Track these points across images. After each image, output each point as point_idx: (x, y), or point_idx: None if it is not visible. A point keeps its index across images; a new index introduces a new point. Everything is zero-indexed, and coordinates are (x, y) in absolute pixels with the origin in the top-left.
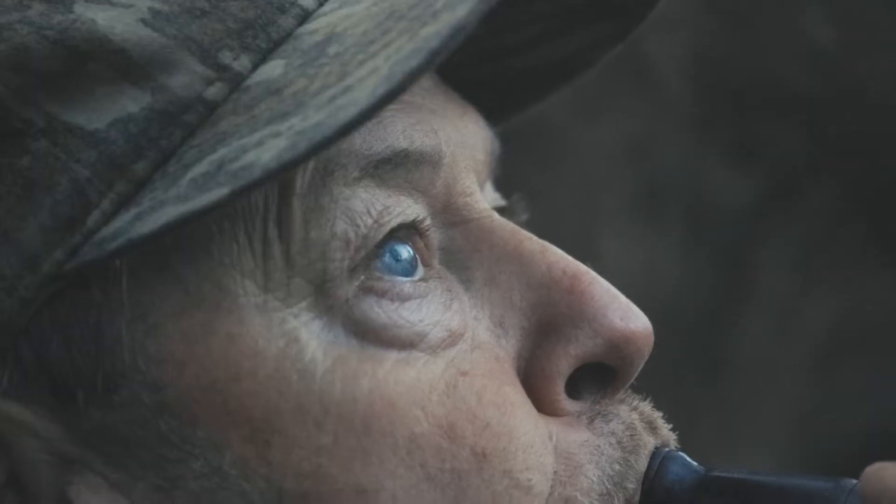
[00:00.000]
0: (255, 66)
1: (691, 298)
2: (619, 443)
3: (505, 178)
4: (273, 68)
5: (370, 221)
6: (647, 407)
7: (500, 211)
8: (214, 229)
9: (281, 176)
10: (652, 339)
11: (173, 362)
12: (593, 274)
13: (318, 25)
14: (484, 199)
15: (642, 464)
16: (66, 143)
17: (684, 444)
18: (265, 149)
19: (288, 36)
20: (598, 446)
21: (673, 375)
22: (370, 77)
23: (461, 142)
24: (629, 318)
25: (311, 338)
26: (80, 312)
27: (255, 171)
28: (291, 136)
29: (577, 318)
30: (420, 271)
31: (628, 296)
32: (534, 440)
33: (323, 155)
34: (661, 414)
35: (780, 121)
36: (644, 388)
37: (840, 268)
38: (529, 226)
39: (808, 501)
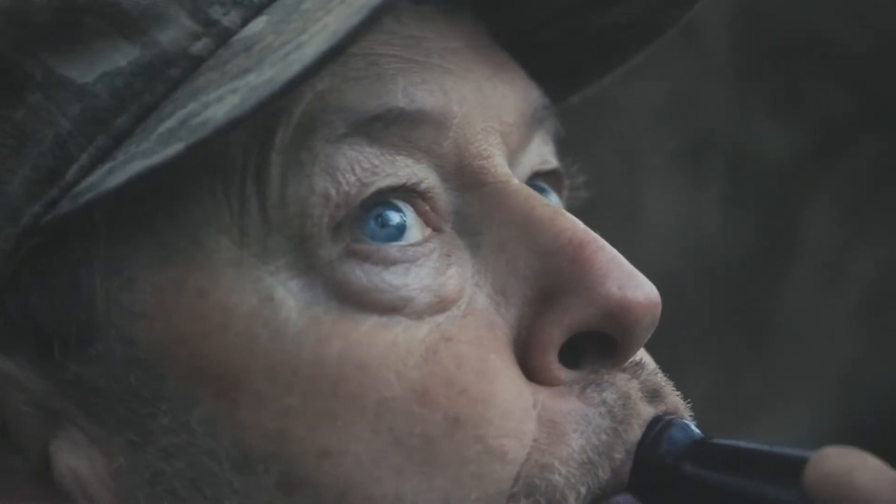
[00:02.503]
0: (246, 22)
1: (735, 254)
2: (609, 412)
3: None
4: (257, 24)
5: (353, 179)
6: (654, 376)
7: (549, 174)
8: (193, 184)
9: (232, 131)
10: (657, 309)
11: (145, 316)
12: (601, 243)
13: None
14: (504, 163)
15: (634, 434)
16: (58, 96)
17: (727, 399)
18: (222, 105)
19: None
20: (587, 415)
21: (716, 330)
22: (321, 33)
23: (482, 103)
24: (628, 286)
25: (287, 297)
26: (60, 265)
27: (208, 126)
28: (245, 91)
29: (575, 287)
30: (415, 235)
31: (671, 251)
32: (514, 407)
33: (307, 110)
34: (669, 383)
35: (824, 75)
36: (686, 344)
37: (884, 222)
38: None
39: (795, 471)
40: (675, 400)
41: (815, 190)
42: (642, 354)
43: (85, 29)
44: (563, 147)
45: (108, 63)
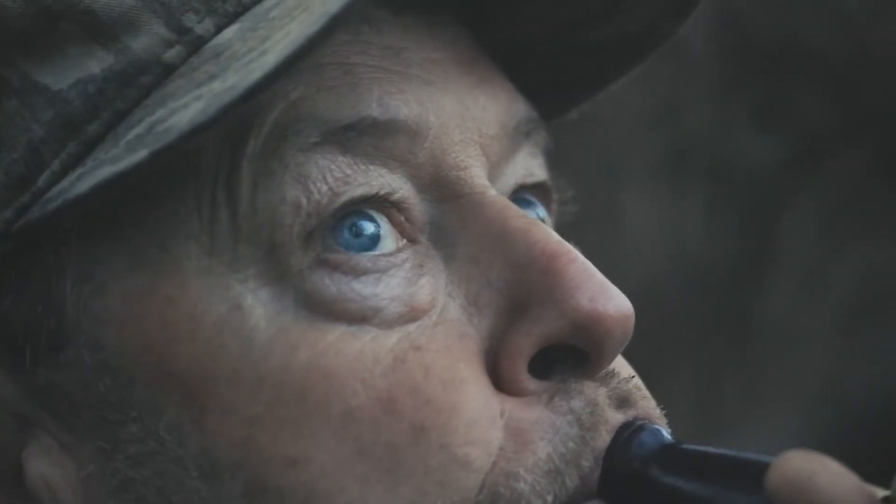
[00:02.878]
0: (219, 30)
1: (717, 261)
2: (577, 420)
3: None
4: (229, 32)
5: (324, 188)
6: (625, 384)
7: (536, 187)
8: (165, 191)
9: (195, 138)
10: (629, 322)
11: (114, 323)
12: (574, 255)
13: None
14: (481, 175)
15: (602, 440)
16: (33, 102)
17: (710, 406)
18: (187, 111)
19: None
20: (554, 423)
21: (698, 338)
22: (283, 40)
23: (462, 114)
24: (598, 299)
25: (256, 305)
26: (32, 271)
27: (171, 133)
28: (209, 98)
29: (545, 299)
30: (389, 245)
31: (653, 257)
32: (480, 416)
33: (278, 119)
34: (640, 390)
35: (806, 84)
36: (669, 351)
37: (865, 230)
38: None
39: (759, 476)
40: (645, 406)
41: (796, 198)
42: (616, 363)
43: (60, 35)
44: (546, 157)
45: (82, 70)
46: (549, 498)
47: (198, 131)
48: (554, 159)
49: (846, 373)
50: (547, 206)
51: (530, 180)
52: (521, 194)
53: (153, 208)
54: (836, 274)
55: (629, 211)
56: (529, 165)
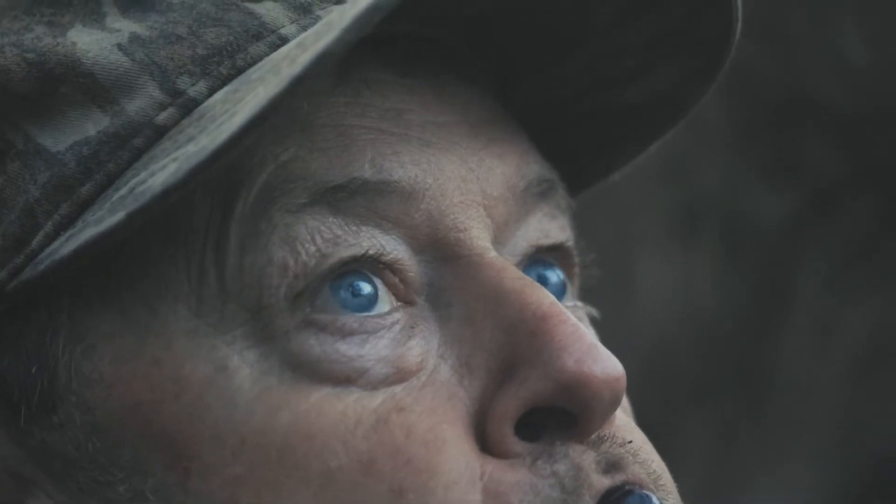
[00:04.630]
0: (212, 93)
1: (729, 317)
2: (559, 483)
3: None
4: (219, 95)
5: (313, 249)
6: (617, 448)
7: (553, 249)
8: (155, 252)
9: (169, 200)
10: (618, 384)
11: (102, 384)
12: (565, 316)
13: (285, 52)
14: (482, 236)
15: None
16: (33, 164)
17: (725, 461)
18: (163, 173)
19: (255, 62)
20: (535, 486)
21: (712, 394)
22: (251, 102)
23: (464, 176)
24: (586, 360)
25: (242, 366)
26: (27, 331)
27: (146, 195)
28: (182, 160)
29: (532, 360)
30: (383, 306)
31: (665, 316)
32: (459, 478)
33: (268, 180)
34: (634, 455)
35: (816, 138)
36: (682, 408)
37: (877, 283)
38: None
39: None
40: (636, 471)
41: (807, 251)
42: (619, 426)
43: (60, 98)
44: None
45: (80, 132)
46: None
47: (170, 192)
48: None
49: (861, 425)
50: (567, 269)
51: (546, 242)
52: (540, 257)
53: (143, 269)
54: (848, 327)
55: (641, 271)
56: (546, 227)
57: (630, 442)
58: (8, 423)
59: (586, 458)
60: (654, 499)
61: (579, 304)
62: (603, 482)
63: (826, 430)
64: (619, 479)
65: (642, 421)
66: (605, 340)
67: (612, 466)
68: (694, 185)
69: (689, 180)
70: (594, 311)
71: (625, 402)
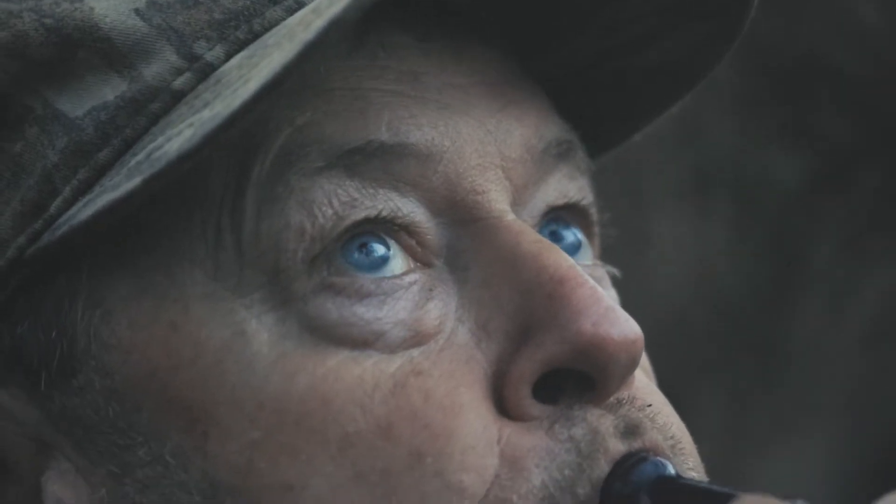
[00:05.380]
0: (229, 57)
1: (742, 283)
2: (575, 448)
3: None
4: (235, 59)
5: (329, 212)
6: (637, 412)
7: (568, 208)
8: (172, 218)
9: (186, 165)
10: (634, 346)
11: (120, 349)
12: (582, 279)
13: (300, 17)
14: (500, 199)
15: (599, 469)
16: (52, 129)
17: (738, 429)
18: (179, 138)
19: (272, 27)
20: (552, 451)
21: (725, 360)
22: (265, 68)
23: (482, 138)
24: (602, 323)
25: (260, 330)
26: (47, 297)
27: (162, 160)
28: (198, 125)
29: (549, 324)
30: (398, 267)
31: (679, 282)
32: (477, 442)
33: (284, 144)
34: (652, 420)
35: (829, 101)
36: (697, 373)
37: (891, 248)
38: None
39: None
40: (653, 437)
41: (821, 217)
42: (640, 388)
43: (78, 64)
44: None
45: (97, 97)
46: None
47: (185, 158)
48: None
49: (873, 393)
50: (586, 228)
51: (561, 202)
52: (557, 215)
53: (161, 234)
54: (863, 292)
55: (655, 234)
56: (565, 188)
57: (650, 406)
58: (28, 389)
59: (604, 422)
60: (670, 466)
61: (599, 263)
62: (618, 447)
63: (839, 397)
64: (635, 445)
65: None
66: (619, 304)
67: (630, 431)
68: (707, 149)
69: (702, 144)
70: (615, 271)
71: (646, 363)
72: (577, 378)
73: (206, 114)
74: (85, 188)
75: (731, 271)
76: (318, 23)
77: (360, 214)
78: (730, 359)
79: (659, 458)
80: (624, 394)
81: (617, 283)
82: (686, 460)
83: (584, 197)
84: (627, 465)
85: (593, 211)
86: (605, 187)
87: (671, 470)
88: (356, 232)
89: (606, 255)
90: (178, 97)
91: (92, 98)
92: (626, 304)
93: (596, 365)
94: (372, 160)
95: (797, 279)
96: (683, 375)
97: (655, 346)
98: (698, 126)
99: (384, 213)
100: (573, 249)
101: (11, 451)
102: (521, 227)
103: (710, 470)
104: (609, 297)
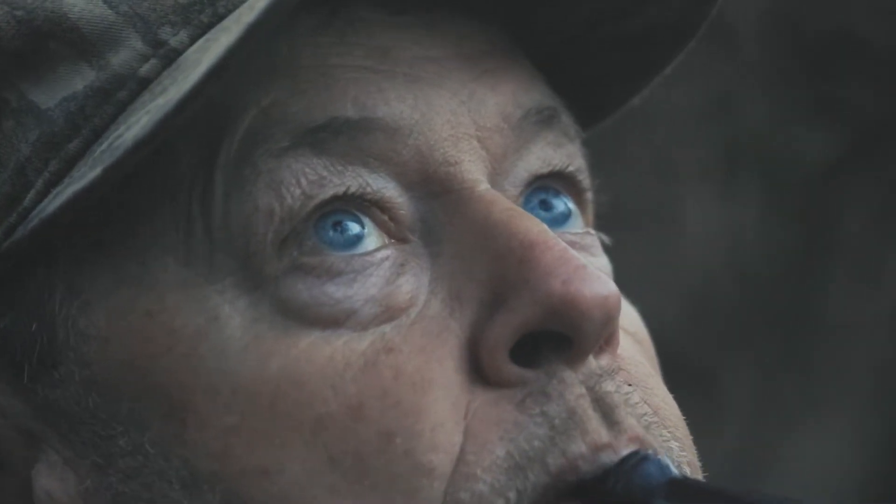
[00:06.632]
0: (193, 42)
1: (773, 259)
2: (547, 422)
3: (583, 144)
4: (197, 44)
5: (297, 192)
6: (613, 394)
7: (554, 176)
8: (144, 205)
9: (142, 152)
10: (608, 302)
11: (99, 339)
12: (552, 243)
13: None
14: (473, 169)
15: (576, 446)
16: (25, 121)
17: (769, 403)
18: (136, 127)
19: (235, 9)
20: (519, 423)
21: (756, 335)
22: (213, 51)
23: (454, 109)
24: (572, 281)
25: (233, 315)
26: (27, 290)
27: (119, 150)
28: (153, 112)
29: (520, 288)
30: (372, 244)
31: (709, 257)
32: (445, 419)
33: (250, 126)
34: (629, 403)
35: (860, 78)
36: (727, 348)
37: None
38: (609, 191)
39: None
40: (632, 424)
41: (851, 193)
42: (623, 359)
43: (50, 55)
44: (599, 156)
45: (68, 87)
46: (512, 495)
47: (140, 146)
48: (609, 159)
49: None
50: (576, 195)
51: (546, 170)
52: (544, 184)
53: (135, 223)
54: (892, 268)
55: (685, 209)
56: (549, 156)
57: (629, 385)
58: (13, 382)
59: (582, 403)
60: (670, 465)
61: (591, 231)
62: (601, 433)
63: (869, 372)
64: (623, 438)
65: (685, 364)
66: (649, 280)
67: (607, 414)
68: (737, 125)
69: (731, 120)
70: (605, 238)
71: (651, 351)
72: (557, 340)
73: (160, 101)
74: (56, 180)
75: (760, 247)
76: (261, 4)
77: (328, 192)
78: (759, 335)
79: (660, 458)
80: (606, 361)
81: (647, 260)
82: (669, 440)
83: (571, 164)
84: (630, 463)
85: (582, 178)
86: (634, 163)
87: (674, 470)
88: (327, 210)
89: (635, 230)
90: (144, 84)
91: (63, 89)
92: (655, 280)
93: (570, 324)
94: (339, 137)
95: (827, 255)
96: (712, 351)
97: (684, 321)
98: (728, 101)
99: (353, 190)
100: (563, 218)
101: (2, 445)
102: (493, 196)
103: (739, 446)
104: (598, 264)
